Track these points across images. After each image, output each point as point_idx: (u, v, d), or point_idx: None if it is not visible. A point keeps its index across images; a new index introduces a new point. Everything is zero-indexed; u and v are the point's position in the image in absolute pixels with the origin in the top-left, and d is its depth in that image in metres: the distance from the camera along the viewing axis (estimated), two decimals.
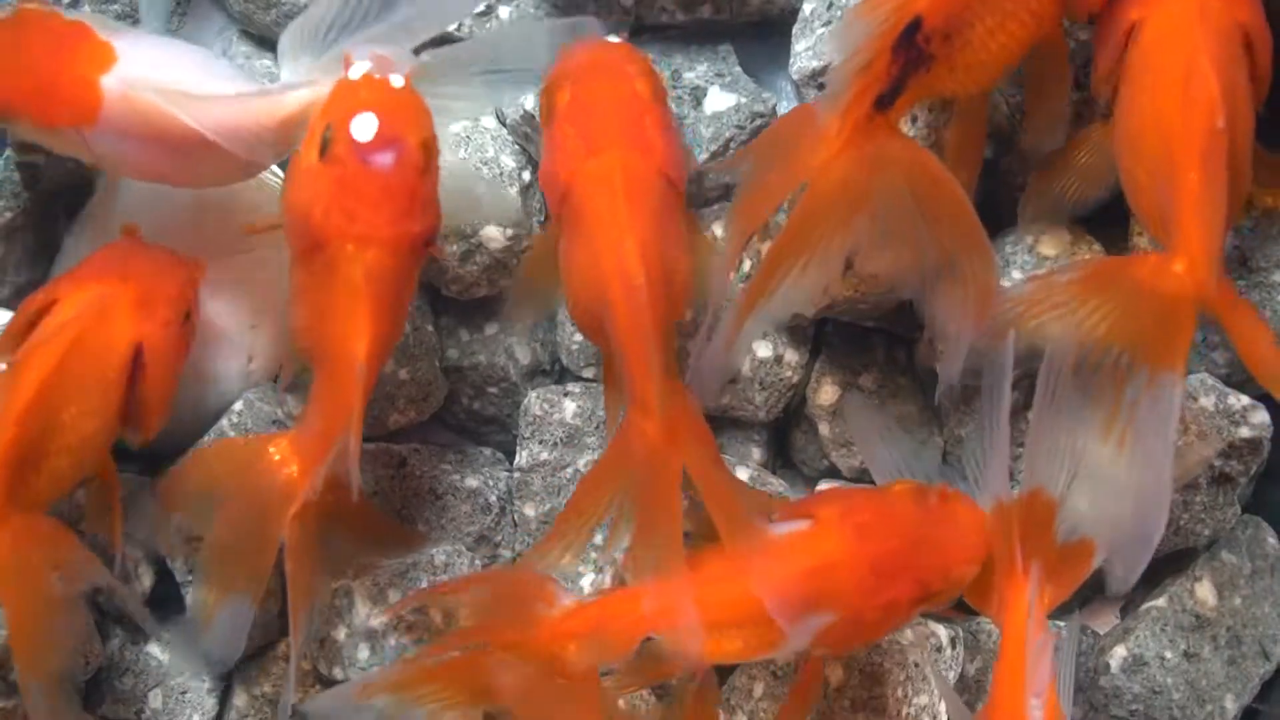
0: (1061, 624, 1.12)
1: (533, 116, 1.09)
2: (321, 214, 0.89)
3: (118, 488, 0.99)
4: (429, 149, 0.90)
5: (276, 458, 0.94)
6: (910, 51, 0.92)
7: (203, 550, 0.96)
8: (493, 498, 1.13)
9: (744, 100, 1.12)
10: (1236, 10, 0.92)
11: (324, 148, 0.89)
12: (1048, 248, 1.09)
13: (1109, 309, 0.90)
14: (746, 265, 1.09)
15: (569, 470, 1.11)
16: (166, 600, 1.09)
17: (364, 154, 0.88)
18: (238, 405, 1.08)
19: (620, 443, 0.94)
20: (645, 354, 0.89)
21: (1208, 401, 1.05)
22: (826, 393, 1.13)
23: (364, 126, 0.89)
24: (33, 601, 0.90)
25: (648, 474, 0.92)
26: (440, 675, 0.94)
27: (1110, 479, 0.90)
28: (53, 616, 0.91)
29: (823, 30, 1.10)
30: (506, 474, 1.14)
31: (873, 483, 1.02)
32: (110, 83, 0.93)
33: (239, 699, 1.10)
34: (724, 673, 1.08)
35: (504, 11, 1.18)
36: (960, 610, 1.04)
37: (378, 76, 0.92)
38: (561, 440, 1.11)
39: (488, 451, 1.16)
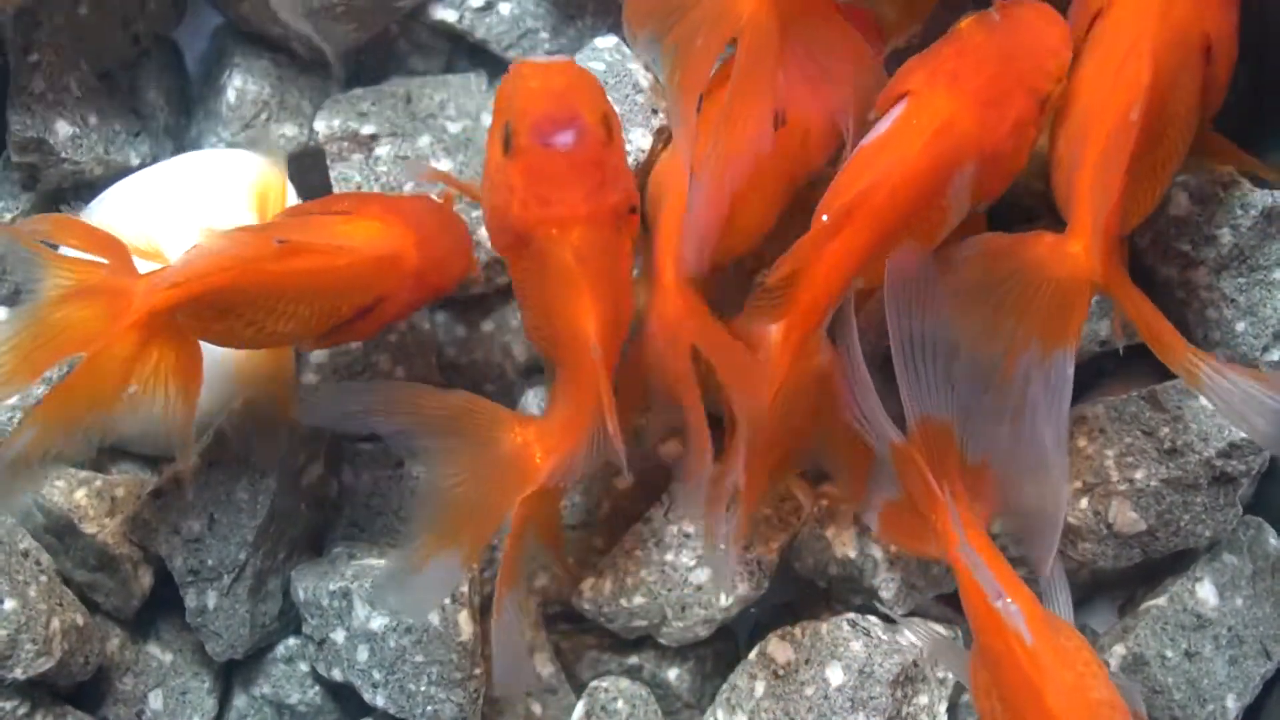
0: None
1: None
2: (519, 207, 0.91)
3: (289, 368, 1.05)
4: (609, 122, 0.92)
5: (520, 441, 0.95)
6: None
7: (432, 499, 0.95)
8: None
9: None
10: (1203, 18, 0.93)
11: (507, 143, 0.91)
12: None
13: (1005, 284, 0.91)
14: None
15: None
16: (165, 601, 1.09)
17: (545, 138, 0.90)
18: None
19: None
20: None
21: (1208, 400, 1.04)
22: None
23: (540, 112, 0.90)
24: (104, 379, 0.90)
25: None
26: None
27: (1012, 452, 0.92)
28: (92, 404, 0.91)
29: None
30: None
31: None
32: None
33: (239, 699, 1.11)
34: (724, 672, 1.08)
35: (504, 8, 1.18)
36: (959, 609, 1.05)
37: (543, 61, 0.94)
38: None
39: None
